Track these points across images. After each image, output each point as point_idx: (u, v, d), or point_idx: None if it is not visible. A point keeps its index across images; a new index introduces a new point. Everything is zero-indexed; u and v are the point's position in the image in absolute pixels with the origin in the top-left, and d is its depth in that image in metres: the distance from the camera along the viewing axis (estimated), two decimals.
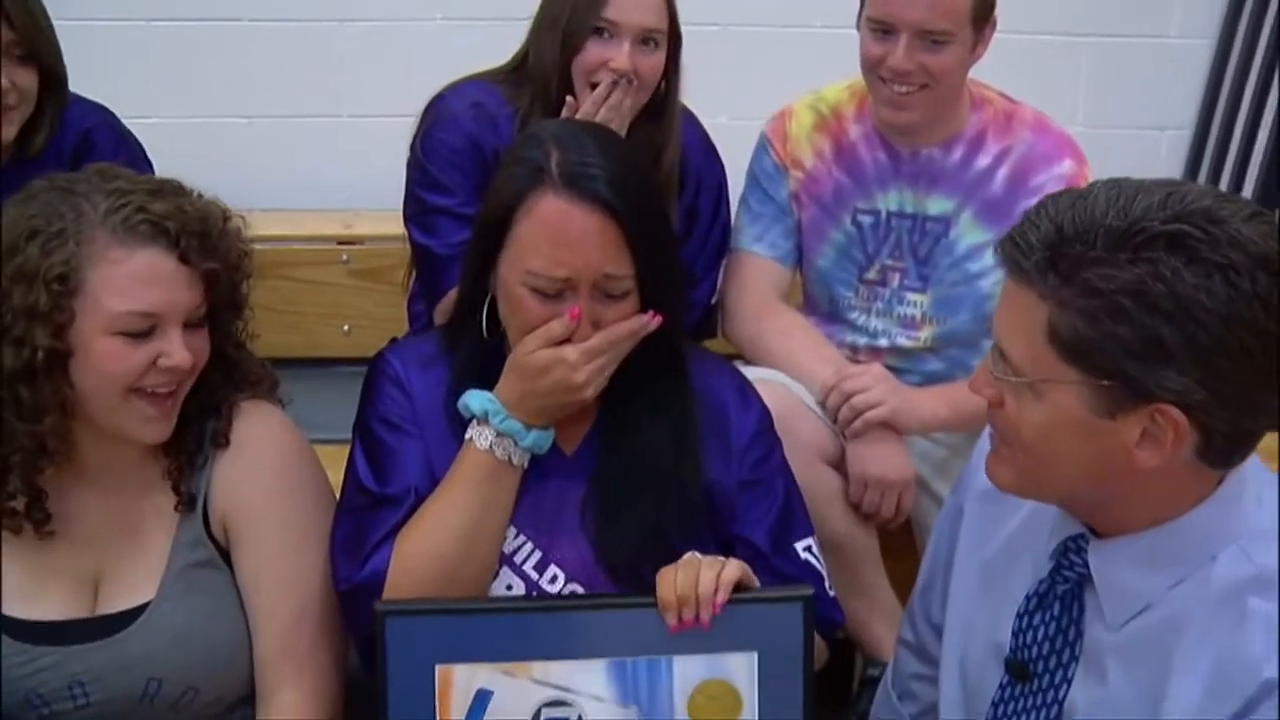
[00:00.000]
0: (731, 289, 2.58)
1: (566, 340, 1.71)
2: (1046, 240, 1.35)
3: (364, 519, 1.76)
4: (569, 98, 2.34)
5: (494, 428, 1.74)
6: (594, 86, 2.36)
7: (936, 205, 2.48)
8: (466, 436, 1.76)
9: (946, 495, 1.82)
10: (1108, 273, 1.31)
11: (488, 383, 1.77)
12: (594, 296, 1.70)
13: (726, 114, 2.79)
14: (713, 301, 2.59)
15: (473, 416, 1.76)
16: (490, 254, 1.74)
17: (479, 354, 1.79)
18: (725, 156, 2.65)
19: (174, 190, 1.74)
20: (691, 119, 2.57)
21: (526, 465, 1.76)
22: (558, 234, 1.67)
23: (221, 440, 1.79)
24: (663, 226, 1.76)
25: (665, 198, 1.87)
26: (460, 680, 1.64)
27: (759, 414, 1.88)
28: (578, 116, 2.32)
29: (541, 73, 2.40)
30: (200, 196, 1.77)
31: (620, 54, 2.35)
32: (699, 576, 1.63)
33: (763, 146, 2.59)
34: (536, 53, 2.43)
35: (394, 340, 1.97)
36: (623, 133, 2.26)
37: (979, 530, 1.65)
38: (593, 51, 2.37)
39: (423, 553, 1.71)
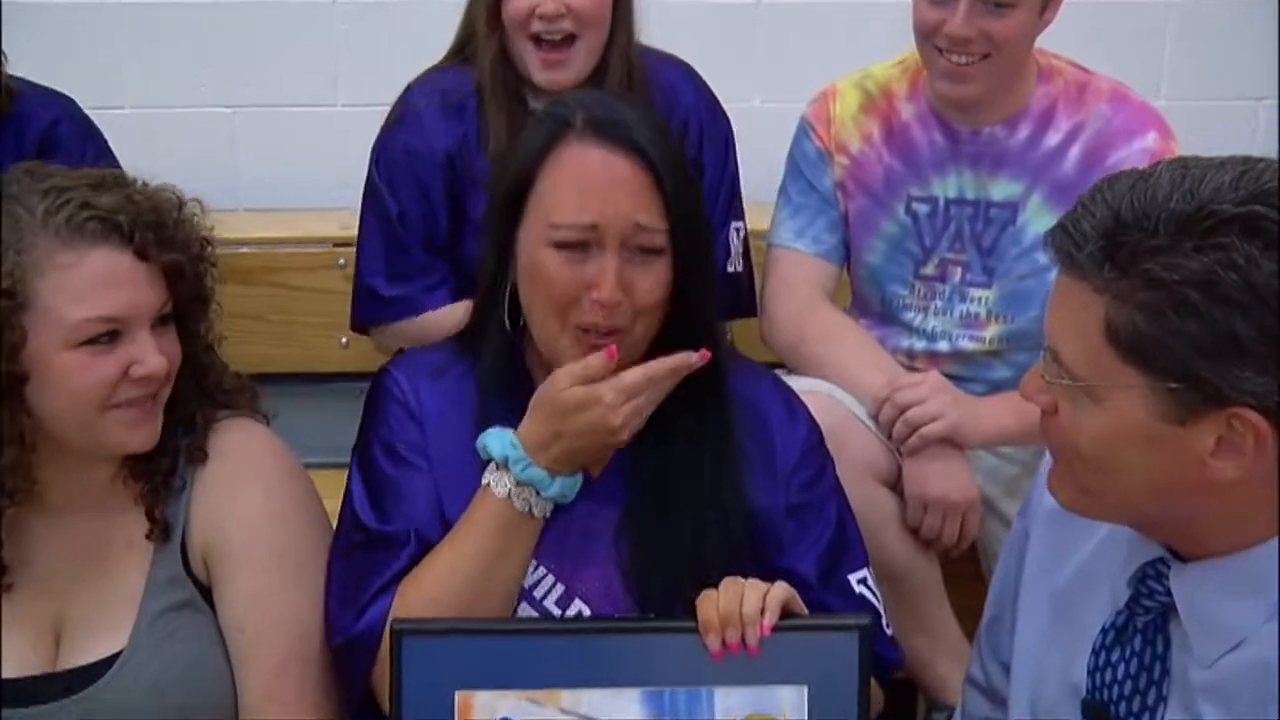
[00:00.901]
0: (771, 290, 2.60)
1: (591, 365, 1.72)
2: (1102, 227, 1.35)
3: (362, 562, 1.77)
4: None
5: (514, 475, 1.74)
6: (535, 39, 2.43)
7: (1001, 189, 2.48)
8: (484, 480, 1.76)
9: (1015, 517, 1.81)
10: (1172, 262, 1.31)
11: (514, 392, 1.79)
12: (624, 255, 1.71)
13: (760, 95, 2.85)
14: (729, 269, 2.63)
15: (491, 459, 1.76)
16: (508, 231, 1.76)
17: (503, 354, 1.81)
18: (760, 144, 2.68)
19: (116, 181, 1.75)
20: (691, 73, 2.63)
21: (547, 515, 1.77)
22: (585, 179, 1.71)
23: (199, 455, 1.79)
24: (695, 189, 1.79)
25: None
26: (481, 708, 1.65)
27: (807, 429, 1.89)
28: None
29: (479, 42, 2.49)
30: (146, 185, 1.77)
31: None
32: (744, 596, 1.64)
33: (803, 131, 2.60)
34: (468, 23, 2.53)
35: (399, 353, 1.97)
36: None
37: (1048, 556, 1.64)
38: (517, 2, 2.44)
39: (429, 602, 1.72)
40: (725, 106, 2.71)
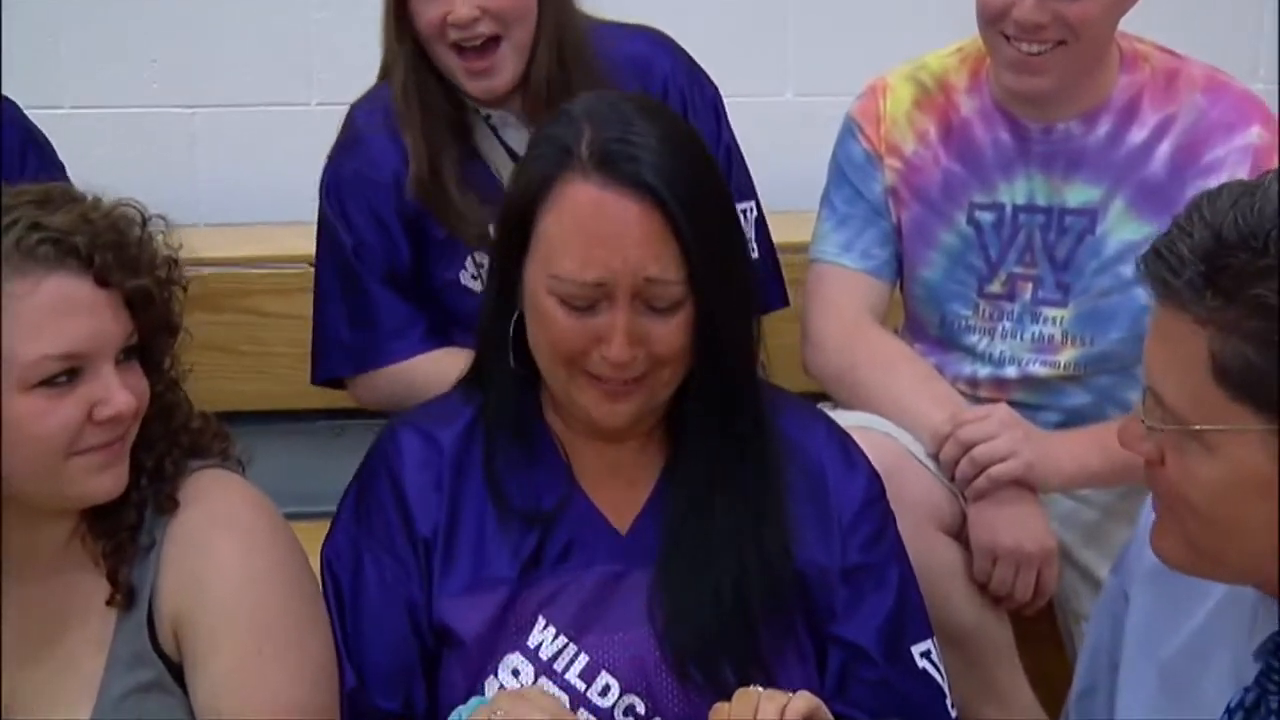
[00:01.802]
0: (814, 311, 2.59)
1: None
2: (1202, 250, 1.35)
3: None
4: None
5: None
6: (457, 47, 2.43)
7: (1078, 194, 2.47)
8: None
9: (1102, 573, 1.84)
10: None
11: (525, 434, 1.82)
12: (636, 308, 1.71)
13: (793, 89, 2.85)
14: None
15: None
16: (513, 260, 1.77)
17: (511, 392, 1.82)
18: (792, 144, 2.72)
19: (66, 196, 1.74)
20: (664, 41, 2.65)
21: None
22: (587, 228, 1.70)
23: (169, 504, 1.79)
24: (725, 221, 1.78)
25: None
26: None
27: (867, 480, 1.90)
28: None
29: (389, 58, 2.53)
30: (99, 200, 1.76)
31: (452, 2, 2.42)
32: (758, 707, 1.62)
33: (849, 131, 2.60)
34: (387, 45, 2.55)
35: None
36: None
37: (1154, 622, 1.63)
38: (427, 12, 2.44)
39: None
40: (749, 102, 2.75)
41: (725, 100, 2.69)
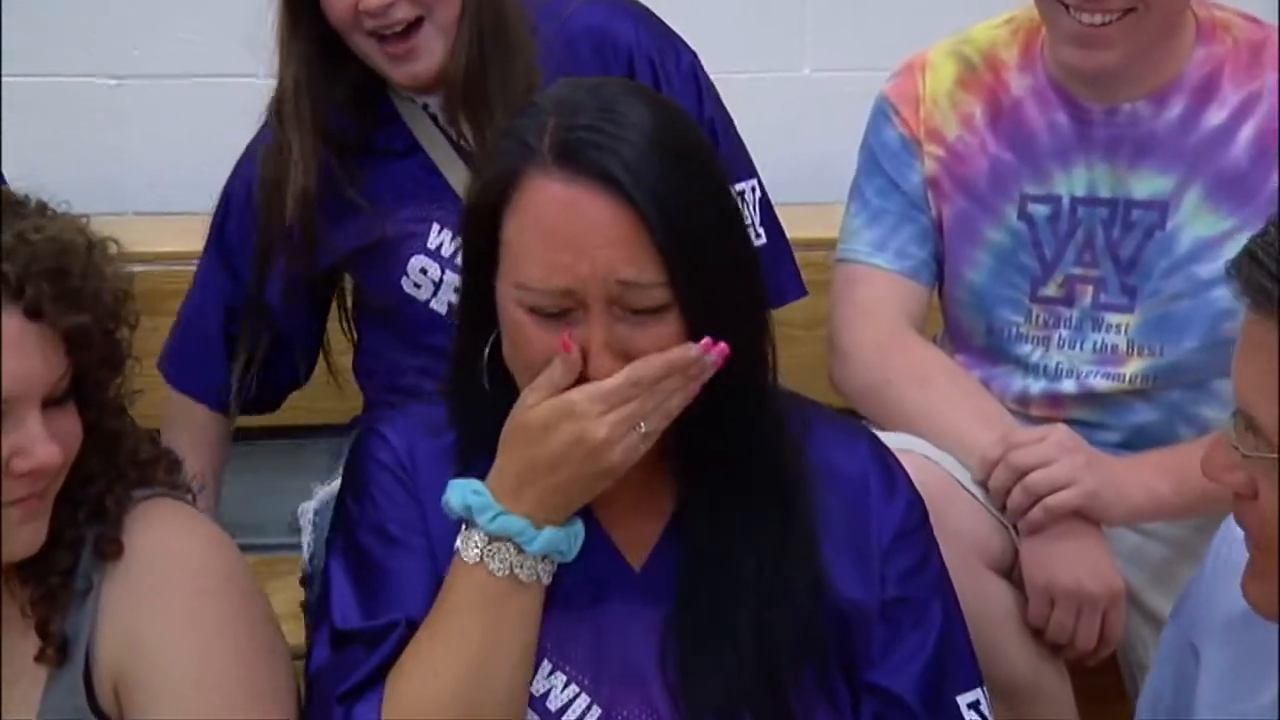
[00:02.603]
0: (843, 318, 2.58)
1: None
2: None
3: (339, 663, 1.80)
4: None
5: (483, 530, 1.75)
6: (377, 35, 2.43)
7: (1146, 184, 2.46)
8: (455, 545, 1.77)
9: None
10: None
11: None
12: (613, 316, 1.71)
13: (810, 63, 2.85)
14: None
15: (460, 518, 1.78)
16: (482, 273, 1.78)
17: (488, 414, 1.81)
18: (812, 127, 2.74)
19: (10, 209, 1.74)
20: (628, 8, 2.65)
21: (548, 579, 1.78)
22: (550, 229, 1.70)
23: (111, 548, 1.79)
24: (714, 212, 1.77)
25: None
26: None
27: (907, 502, 1.89)
28: None
29: (280, 49, 2.54)
30: (48, 211, 1.77)
31: None
32: None
33: (883, 114, 2.60)
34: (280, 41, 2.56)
35: (374, 407, 2.01)
36: None
37: (1234, 679, 1.64)
38: (337, 2, 2.44)
39: (415, 712, 1.75)
40: (761, 78, 2.76)
41: (736, 77, 2.71)
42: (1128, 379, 2.49)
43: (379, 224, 2.51)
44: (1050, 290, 2.50)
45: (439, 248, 2.49)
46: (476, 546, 1.74)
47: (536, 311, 1.71)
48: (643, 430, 1.71)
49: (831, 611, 1.80)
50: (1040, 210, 2.50)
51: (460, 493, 1.76)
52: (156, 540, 1.80)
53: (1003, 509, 2.36)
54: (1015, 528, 2.36)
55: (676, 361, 1.70)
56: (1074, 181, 2.48)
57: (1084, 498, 2.32)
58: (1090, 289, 2.49)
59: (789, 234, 2.69)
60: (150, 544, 1.80)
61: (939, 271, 2.58)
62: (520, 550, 1.74)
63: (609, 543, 1.84)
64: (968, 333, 2.58)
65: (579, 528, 1.77)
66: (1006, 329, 2.53)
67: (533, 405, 1.72)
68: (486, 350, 1.80)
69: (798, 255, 2.71)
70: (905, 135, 2.56)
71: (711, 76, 2.61)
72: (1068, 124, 2.47)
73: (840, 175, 2.63)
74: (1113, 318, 2.48)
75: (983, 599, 2.24)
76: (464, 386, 1.85)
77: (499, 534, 1.74)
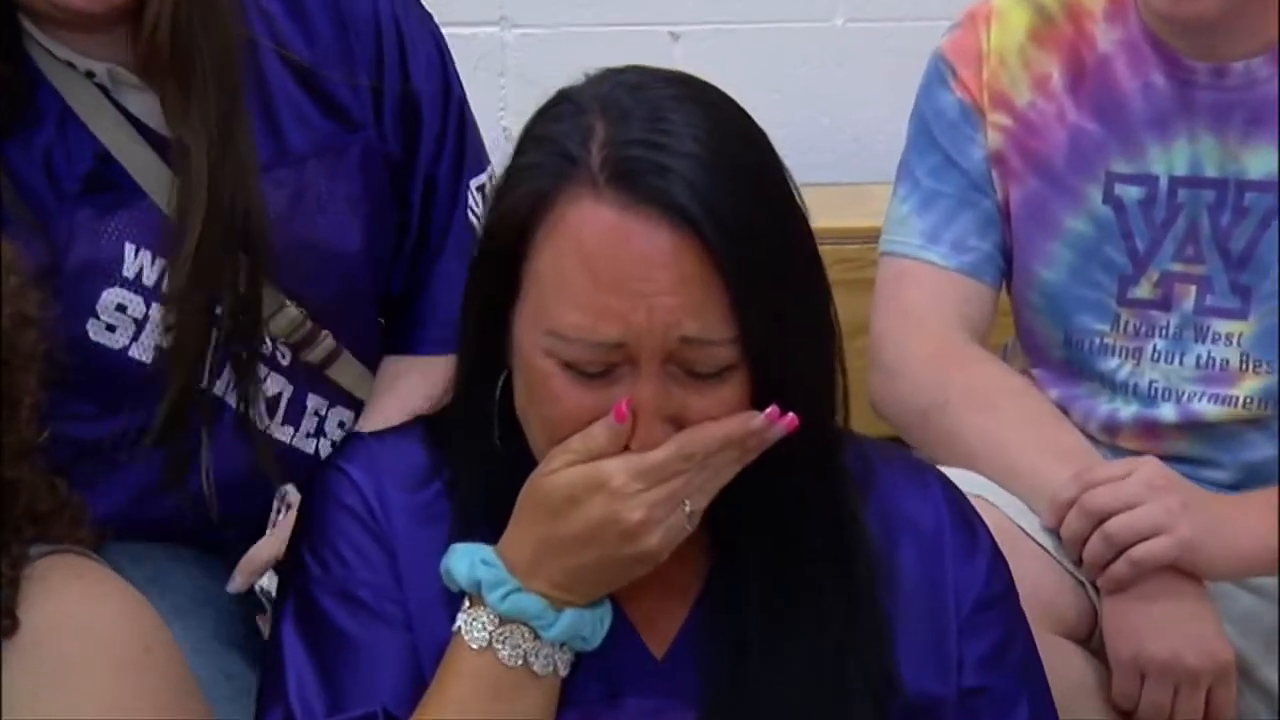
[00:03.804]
0: (888, 325, 2.58)
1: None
2: None
3: None
4: None
5: (493, 609, 1.74)
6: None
7: (1263, 161, 2.45)
8: (455, 625, 1.77)
9: None
10: None
11: (507, 518, 1.80)
12: (669, 375, 1.69)
13: (844, 13, 2.82)
14: None
15: (461, 591, 1.78)
16: (498, 304, 1.76)
17: (492, 466, 1.81)
18: (844, 90, 2.72)
19: None
20: None
21: (565, 670, 1.77)
22: (599, 266, 1.67)
23: (5, 625, 1.77)
24: (785, 238, 1.75)
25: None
26: None
27: (989, 561, 1.89)
28: None
29: None
30: None
31: None
32: None
33: (938, 75, 2.60)
34: None
35: (351, 438, 2.06)
36: None
37: None
38: None
39: None
40: (789, 28, 2.72)
41: (756, 27, 2.67)
42: (1240, 403, 2.48)
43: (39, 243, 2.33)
44: (1143, 291, 2.50)
45: (139, 274, 2.34)
46: (485, 629, 1.73)
47: (573, 367, 1.69)
48: (688, 510, 1.70)
49: (899, 712, 1.79)
50: (1131, 193, 2.49)
51: (467, 561, 1.75)
52: (59, 608, 1.80)
53: (1079, 562, 2.33)
54: (1095, 585, 2.33)
55: (736, 435, 1.69)
56: (1173, 157, 2.47)
57: (1179, 548, 2.28)
58: (1193, 290, 2.48)
59: (816, 221, 2.61)
60: (52, 613, 1.79)
61: (1006, 268, 2.57)
62: (536, 636, 1.73)
63: (625, 622, 1.82)
64: (1042, 344, 2.58)
65: (605, 610, 1.76)
66: (1089, 339, 2.52)
67: (556, 471, 1.71)
68: (497, 394, 1.78)
69: (829, 247, 2.61)
70: (965, 101, 2.55)
71: (719, 25, 2.54)
72: (1166, 86, 2.46)
73: (881, 150, 2.62)
74: (1221, 325, 2.47)
75: (1056, 672, 2.10)
76: (465, 431, 1.83)
77: (512, 615, 1.73)
